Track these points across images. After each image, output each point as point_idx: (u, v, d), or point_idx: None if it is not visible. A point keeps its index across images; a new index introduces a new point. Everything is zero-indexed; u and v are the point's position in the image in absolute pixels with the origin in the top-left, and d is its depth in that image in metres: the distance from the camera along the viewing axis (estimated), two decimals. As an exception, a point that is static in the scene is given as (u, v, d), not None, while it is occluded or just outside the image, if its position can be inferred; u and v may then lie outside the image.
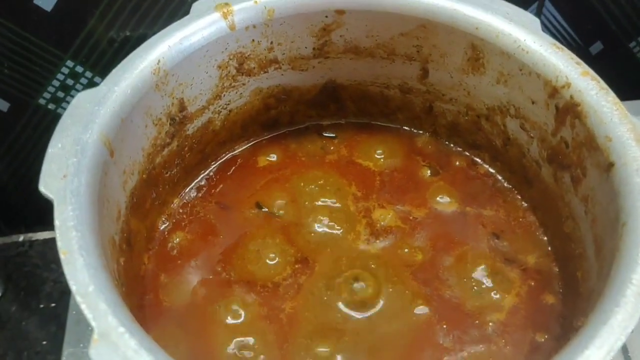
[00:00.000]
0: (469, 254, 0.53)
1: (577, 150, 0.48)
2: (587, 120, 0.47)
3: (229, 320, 0.50)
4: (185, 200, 0.57)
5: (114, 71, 0.48)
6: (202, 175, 0.59)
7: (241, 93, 0.57)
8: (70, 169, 0.42)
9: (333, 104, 0.62)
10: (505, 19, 0.51)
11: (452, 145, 0.61)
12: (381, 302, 0.50)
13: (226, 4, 0.52)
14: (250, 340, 0.49)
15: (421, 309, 0.50)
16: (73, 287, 0.37)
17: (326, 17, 0.54)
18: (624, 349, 0.56)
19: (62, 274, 0.38)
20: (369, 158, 0.60)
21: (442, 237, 0.55)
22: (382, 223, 0.56)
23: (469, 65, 0.54)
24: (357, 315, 0.50)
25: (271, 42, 0.55)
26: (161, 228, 0.55)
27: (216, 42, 0.52)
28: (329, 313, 0.50)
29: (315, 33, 0.56)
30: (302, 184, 0.58)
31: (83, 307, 0.36)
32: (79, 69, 0.68)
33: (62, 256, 0.38)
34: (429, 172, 0.59)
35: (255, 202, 0.57)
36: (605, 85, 0.47)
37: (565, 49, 0.50)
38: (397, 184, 0.58)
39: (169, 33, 0.50)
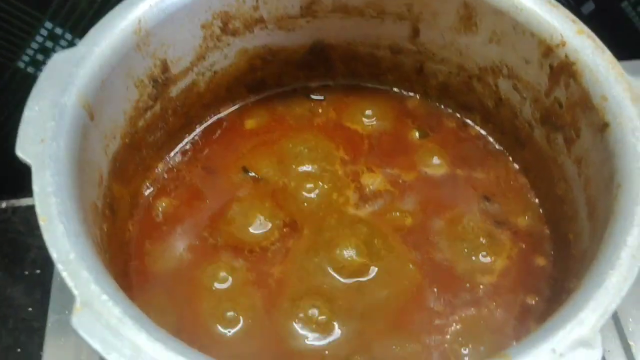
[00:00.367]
0: (460, 217, 0.53)
1: (571, 110, 0.48)
2: (582, 79, 0.46)
3: (217, 286, 0.49)
4: (170, 165, 0.56)
5: (92, 31, 0.46)
6: (187, 139, 0.58)
7: (226, 54, 0.56)
8: (48, 133, 0.41)
9: (321, 65, 0.60)
10: (498, -25, 0.50)
11: (442, 106, 0.60)
12: (371, 268, 0.50)
13: (209, -40, 0.50)
14: (239, 305, 0.48)
15: (412, 273, 0.50)
16: (54, 255, 0.36)
17: (313, -27, 0.53)
18: (615, 317, 0.56)
19: (46, 240, 0.37)
20: (358, 121, 0.59)
21: (432, 201, 0.54)
22: (371, 187, 0.55)
23: (461, 24, 0.53)
24: (346, 280, 0.49)
25: (256, 1, 0.54)
26: (145, 193, 0.54)
27: (199, 0, 0.50)
28: (318, 278, 0.49)
29: (303, -9, 0.54)
30: (289, 147, 0.57)
31: (64, 274, 0.36)
32: (59, 30, 0.67)
33: (41, 223, 0.37)
34: (417, 134, 0.58)
35: (242, 167, 0.55)
36: (601, 44, 0.47)
37: (560, 6, 0.49)
38: (385, 147, 0.57)
39: (150, -10, 0.48)
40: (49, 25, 0.66)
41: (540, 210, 0.54)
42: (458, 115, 0.59)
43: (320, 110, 0.60)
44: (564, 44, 0.47)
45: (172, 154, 0.57)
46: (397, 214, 0.53)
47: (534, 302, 0.49)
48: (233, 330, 0.47)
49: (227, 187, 0.55)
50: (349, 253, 0.50)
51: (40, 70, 0.68)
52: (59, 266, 0.36)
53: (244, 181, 0.55)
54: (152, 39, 0.49)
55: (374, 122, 0.59)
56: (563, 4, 0.49)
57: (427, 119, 0.59)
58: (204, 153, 0.57)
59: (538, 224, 0.53)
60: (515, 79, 0.53)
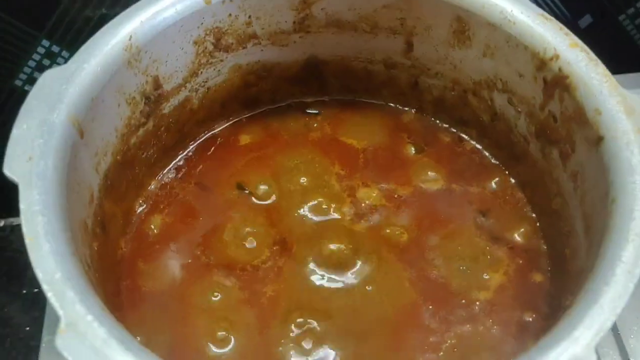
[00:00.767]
0: (455, 233, 0.52)
1: (566, 124, 0.47)
2: (576, 93, 0.45)
3: (209, 305, 0.48)
4: (163, 182, 0.56)
5: (82, 48, 0.46)
6: (180, 156, 0.57)
7: (219, 70, 0.55)
8: (35, 151, 0.40)
9: (316, 80, 0.60)
10: (491, -11, 0.49)
11: (438, 121, 0.60)
12: (366, 287, 0.49)
13: (201, -24, 0.50)
14: (231, 324, 0.47)
15: (407, 291, 0.49)
16: (39, 275, 0.36)
17: (306, -12, 0.53)
18: (614, 329, 0.55)
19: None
20: (353, 136, 0.59)
21: (428, 216, 0.53)
22: (367, 202, 0.54)
23: (455, 38, 0.53)
24: (341, 299, 0.49)
25: (249, 16, 0.53)
26: (138, 211, 0.54)
27: (191, 16, 0.50)
28: (312, 296, 0.49)
29: (295, 6, 0.54)
30: (284, 163, 0.56)
31: (49, 295, 0.35)
32: (55, 48, 0.67)
33: (27, 242, 0.37)
34: (412, 149, 0.57)
35: (236, 183, 0.55)
36: (594, 57, 0.46)
37: (553, 19, 0.48)
38: (381, 162, 0.57)
39: (141, 7, 0.48)
40: (45, 43, 0.66)
41: (537, 225, 0.53)
42: (453, 129, 0.59)
43: (315, 125, 0.59)
44: (557, 57, 0.46)
45: (165, 170, 0.56)
46: (392, 230, 0.52)
47: (531, 319, 0.48)
48: (225, 350, 0.46)
49: (221, 203, 0.54)
50: (344, 272, 0.50)
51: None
52: (44, 286, 0.35)
53: (238, 198, 0.54)
54: (143, 56, 0.49)
55: (370, 137, 0.58)
56: (560, 18, 0.49)
57: (422, 133, 0.59)
58: (198, 169, 0.56)
59: (535, 239, 0.52)
60: (510, 93, 0.52)
